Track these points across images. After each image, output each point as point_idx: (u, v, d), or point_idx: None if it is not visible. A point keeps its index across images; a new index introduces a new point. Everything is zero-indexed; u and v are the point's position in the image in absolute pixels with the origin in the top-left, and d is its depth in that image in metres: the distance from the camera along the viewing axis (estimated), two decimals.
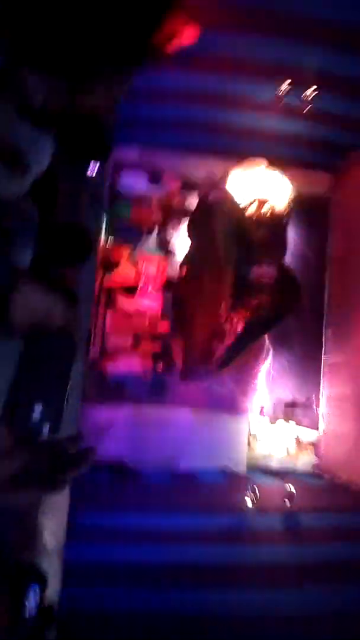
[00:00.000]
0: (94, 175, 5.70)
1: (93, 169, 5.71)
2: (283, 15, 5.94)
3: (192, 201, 8.43)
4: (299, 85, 6.99)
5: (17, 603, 3.21)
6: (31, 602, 3.36)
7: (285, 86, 6.96)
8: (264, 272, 7.57)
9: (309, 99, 7.09)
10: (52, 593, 3.80)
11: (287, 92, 7.02)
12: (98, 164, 5.68)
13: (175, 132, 8.25)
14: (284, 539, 6.48)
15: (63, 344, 2.34)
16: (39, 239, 2.25)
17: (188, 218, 8.45)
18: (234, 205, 7.70)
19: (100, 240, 7.31)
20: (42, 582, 3.72)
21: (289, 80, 6.90)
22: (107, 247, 7.64)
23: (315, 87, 6.97)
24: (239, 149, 8.46)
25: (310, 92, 7.01)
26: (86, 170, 5.52)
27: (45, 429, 2.64)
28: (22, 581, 3.30)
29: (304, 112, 7.34)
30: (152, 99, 7.42)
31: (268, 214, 8.13)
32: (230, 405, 8.53)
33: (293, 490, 7.02)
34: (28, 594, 3.43)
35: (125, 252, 7.89)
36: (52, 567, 3.89)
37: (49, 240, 2.32)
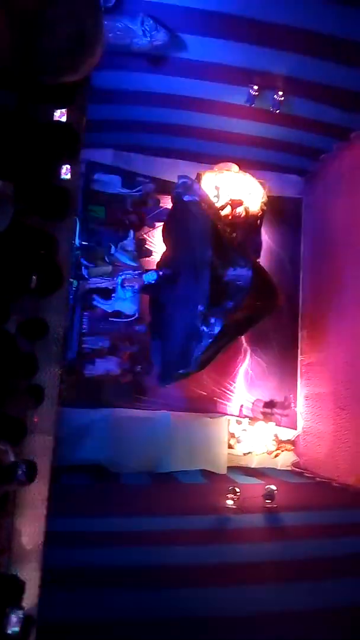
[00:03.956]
0: (68, 176, 5.69)
1: (66, 171, 5.70)
2: (255, 21, 6.08)
3: (167, 203, 8.47)
4: (269, 90, 7.15)
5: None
6: (13, 625, 3.33)
7: (255, 90, 7.11)
8: (239, 273, 7.62)
9: (279, 103, 7.25)
10: (31, 597, 3.72)
11: (258, 96, 7.17)
12: (70, 167, 5.68)
13: (149, 135, 8.31)
14: (266, 537, 6.49)
15: None
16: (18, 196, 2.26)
17: (163, 220, 8.47)
18: (209, 207, 7.76)
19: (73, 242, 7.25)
20: (20, 592, 3.65)
21: (259, 85, 7.05)
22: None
23: (284, 91, 7.14)
24: (212, 151, 8.57)
25: (280, 96, 7.17)
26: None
27: None
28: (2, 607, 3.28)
29: (275, 116, 7.51)
30: (126, 102, 7.45)
31: (242, 216, 8.22)
32: (209, 407, 8.54)
33: (274, 489, 7.05)
34: (9, 618, 3.40)
35: (100, 254, 7.88)
36: (29, 571, 3.80)
37: (29, 198, 2.34)
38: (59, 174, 5.25)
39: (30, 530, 4.07)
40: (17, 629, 3.29)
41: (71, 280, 7.47)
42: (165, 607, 4.85)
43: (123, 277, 8.02)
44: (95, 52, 1.59)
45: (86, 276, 7.82)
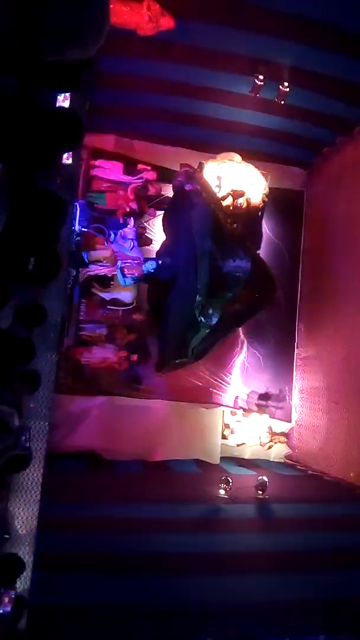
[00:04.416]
0: (69, 161, 5.64)
1: (68, 156, 5.65)
2: (262, 10, 5.99)
3: (168, 192, 8.41)
4: (274, 80, 7.07)
5: None
6: (4, 605, 3.37)
7: (261, 80, 7.02)
8: (239, 265, 7.61)
9: (284, 94, 7.18)
10: (23, 580, 3.76)
11: (263, 87, 7.09)
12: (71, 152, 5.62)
13: (152, 122, 8.22)
14: (256, 528, 6.56)
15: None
16: (12, 202, 2.24)
17: (164, 208, 8.42)
18: (210, 196, 7.71)
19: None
20: (20, 570, 3.70)
21: (265, 75, 6.97)
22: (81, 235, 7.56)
23: (290, 82, 7.06)
24: (215, 141, 8.49)
25: (285, 87, 7.10)
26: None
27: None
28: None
29: (279, 107, 7.44)
30: (129, 88, 7.36)
31: (243, 207, 8.17)
32: (205, 397, 8.58)
33: (266, 480, 7.10)
34: (1, 598, 3.43)
35: (99, 240, 7.84)
36: (23, 555, 3.84)
37: (23, 202, 2.31)
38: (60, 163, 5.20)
39: (24, 515, 4.11)
40: (8, 609, 3.33)
41: (71, 269, 7.43)
42: (156, 593, 4.91)
43: (122, 265, 7.99)
44: (103, 28, 1.48)
45: (86, 260, 7.77)
